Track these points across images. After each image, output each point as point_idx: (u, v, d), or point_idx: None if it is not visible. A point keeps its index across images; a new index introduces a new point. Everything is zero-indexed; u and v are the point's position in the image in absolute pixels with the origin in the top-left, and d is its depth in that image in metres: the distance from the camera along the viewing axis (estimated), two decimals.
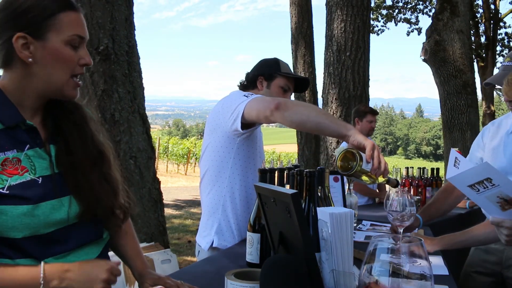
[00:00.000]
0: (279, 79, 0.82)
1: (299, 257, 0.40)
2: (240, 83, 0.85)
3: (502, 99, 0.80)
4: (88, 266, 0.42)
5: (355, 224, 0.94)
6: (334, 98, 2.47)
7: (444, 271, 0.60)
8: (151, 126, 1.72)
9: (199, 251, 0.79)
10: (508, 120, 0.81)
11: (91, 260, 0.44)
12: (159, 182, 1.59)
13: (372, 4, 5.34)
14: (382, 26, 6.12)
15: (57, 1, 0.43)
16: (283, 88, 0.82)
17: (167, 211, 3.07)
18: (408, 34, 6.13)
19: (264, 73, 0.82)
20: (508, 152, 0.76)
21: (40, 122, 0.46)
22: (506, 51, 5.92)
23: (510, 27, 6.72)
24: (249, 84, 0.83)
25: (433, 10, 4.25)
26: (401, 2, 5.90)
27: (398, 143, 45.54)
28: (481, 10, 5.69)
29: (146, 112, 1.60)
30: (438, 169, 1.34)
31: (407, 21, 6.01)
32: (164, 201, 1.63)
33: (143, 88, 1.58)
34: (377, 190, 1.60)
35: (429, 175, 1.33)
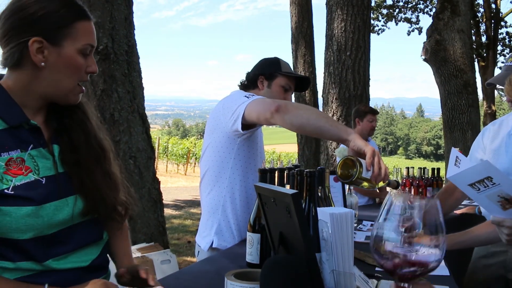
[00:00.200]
0: (280, 78, 0.81)
1: (299, 257, 0.40)
2: (241, 82, 0.85)
3: (504, 99, 0.80)
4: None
5: (355, 225, 0.94)
6: (334, 98, 2.47)
7: (445, 272, 0.60)
8: (151, 126, 1.71)
9: (198, 252, 0.79)
10: (509, 120, 0.80)
11: (86, 283, 0.43)
12: (158, 182, 1.59)
13: (373, 4, 5.33)
14: (382, 25, 6.13)
15: (75, 10, 0.44)
16: (284, 88, 0.82)
17: (167, 211, 3.07)
18: (408, 34, 6.13)
19: (265, 73, 0.82)
20: (510, 153, 0.75)
21: (43, 122, 0.46)
22: (507, 50, 5.90)
23: (511, 26, 6.71)
24: (249, 83, 0.83)
25: (433, 10, 4.24)
26: (402, 1, 5.91)
27: (398, 143, 45.53)
28: (482, 10, 5.68)
29: (146, 112, 1.60)
30: (438, 169, 1.34)
31: (408, 20, 6.02)
32: (164, 201, 1.63)
33: (142, 88, 1.58)
34: (378, 190, 1.60)
35: (430, 175, 1.32)
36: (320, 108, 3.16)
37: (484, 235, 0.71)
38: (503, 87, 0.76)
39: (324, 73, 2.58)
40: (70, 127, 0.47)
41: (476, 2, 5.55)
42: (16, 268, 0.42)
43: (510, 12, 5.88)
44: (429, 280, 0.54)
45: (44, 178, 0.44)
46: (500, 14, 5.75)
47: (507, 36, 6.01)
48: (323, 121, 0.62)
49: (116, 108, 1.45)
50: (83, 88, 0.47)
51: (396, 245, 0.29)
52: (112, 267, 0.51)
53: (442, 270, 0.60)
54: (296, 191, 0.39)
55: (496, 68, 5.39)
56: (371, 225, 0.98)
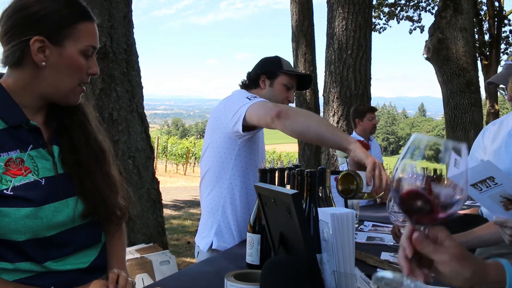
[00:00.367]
0: (282, 77, 0.81)
1: (299, 258, 0.39)
2: (242, 82, 0.84)
3: (506, 97, 0.79)
4: None
5: (356, 225, 0.93)
6: (335, 97, 2.45)
7: None
8: (150, 125, 1.70)
9: (198, 252, 0.78)
10: (509, 120, 0.80)
11: (88, 284, 0.43)
12: (157, 182, 1.59)
13: (374, 2, 5.32)
14: (384, 24, 6.10)
15: (78, 11, 0.44)
16: (286, 86, 0.81)
17: (166, 211, 3.09)
18: (410, 32, 6.10)
19: (266, 72, 0.81)
20: (510, 152, 0.74)
21: (43, 122, 0.46)
22: (510, 49, 5.84)
23: None
24: (251, 83, 0.82)
25: (436, 8, 4.20)
26: None
27: (400, 143, 45.40)
28: (485, 8, 5.62)
29: (145, 111, 1.59)
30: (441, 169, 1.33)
31: (410, 19, 5.99)
32: (163, 202, 1.62)
33: (141, 87, 1.58)
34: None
35: (432, 175, 1.32)
36: (321, 108, 3.14)
37: (487, 236, 0.70)
38: (504, 86, 0.75)
39: (325, 72, 2.57)
40: (70, 128, 0.47)
41: (479, 0, 5.50)
42: (15, 269, 0.42)
43: None
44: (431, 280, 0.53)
45: (43, 179, 0.43)
46: (504, 12, 5.69)
47: (510, 35, 5.95)
48: (324, 129, 0.62)
49: (115, 107, 1.45)
50: (84, 88, 0.46)
51: (417, 185, 0.27)
52: None
53: None
54: (297, 191, 0.39)
55: (499, 66, 5.33)
56: (373, 225, 0.96)
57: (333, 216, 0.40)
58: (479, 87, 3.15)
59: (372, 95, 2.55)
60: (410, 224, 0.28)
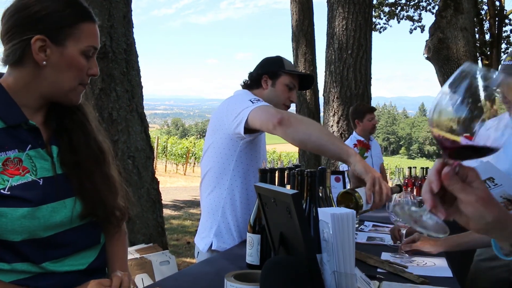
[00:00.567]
0: (284, 77, 0.80)
1: (300, 258, 0.39)
2: (244, 82, 0.84)
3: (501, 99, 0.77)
4: None
5: (356, 225, 0.93)
6: (335, 97, 2.45)
7: (448, 273, 0.59)
8: (150, 125, 1.70)
9: (198, 253, 0.78)
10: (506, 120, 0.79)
11: (86, 284, 0.43)
12: (157, 182, 1.58)
13: (374, 1, 5.30)
14: (384, 23, 6.09)
15: (79, 11, 0.44)
16: (288, 86, 0.81)
17: (166, 211, 3.08)
18: (411, 32, 6.09)
19: (268, 72, 0.81)
20: (510, 153, 0.74)
21: (42, 122, 0.46)
22: (511, 48, 5.81)
23: None
24: (253, 83, 0.82)
25: (436, 7, 4.20)
26: None
27: (400, 143, 45.29)
28: (485, 7, 5.60)
29: (145, 111, 1.59)
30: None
31: (410, 18, 5.98)
32: (163, 202, 1.62)
33: (141, 87, 1.57)
34: None
35: None
36: (321, 107, 3.12)
37: (488, 237, 0.69)
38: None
39: (325, 72, 2.57)
40: (70, 128, 0.47)
41: (480, 0, 5.51)
42: (12, 270, 0.42)
43: None
44: (432, 281, 0.53)
45: (41, 179, 0.43)
46: (505, 12, 5.66)
47: (511, 34, 5.94)
48: (325, 139, 0.61)
49: (115, 107, 1.44)
50: (84, 88, 0.46)
51: (456, 119, 0.25)
52: None
53: (445, 271, 0.60)
54: (297, 191, 0.38)
55: (500, 66, 5.29)
56: (373, 225, 0.96)
57: (333, 216, 0.40)
58: None
59: (373, 95, 2.54)
60: (442, 158, 0.27)
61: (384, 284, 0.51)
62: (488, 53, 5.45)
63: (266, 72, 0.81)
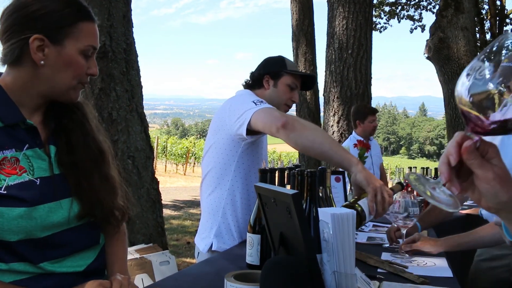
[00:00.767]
0: (286, 77, 0.80)
1: (300, 258, 0.39)
2: (246, 82, 0.84)
3: None
4: None
5: None
6: (335, 96, 2.44)
7: (449, 273, 0.59)
8: (149, 125, 1.70)
9: (198, 253, 0.78)
10: None
11: (83, 284, 0.43)
12: (157, 182, 1.58)
13: (375, 1, 5.29)
14: (384, 23, 6.08)
15: (78, 11, 0.44)
16: (290, 86, 0.80)
17: (166, 211, 3.08)
18: (411, 31, 6.08)
19: (270, 72, 0.80)
20: (509, 154, 0.74)
21: (41, 122, 0.46)
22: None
23: None
24: (255, 83, 0.82)
25: (437, 7, 4.19)
26: None
27: (401, 143, 45.20)
28: (486, 7, 5.59)
29: (144, 111, 1.59)
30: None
31: (410, 18, 5.98)
32: (163, 202, 1.62)
33: (141, 87, 1.57)
34: None
35: (433, 175, 1.33)
36: (321, 107, 3.11)
37: (488, 237, 0.69)
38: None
39: (325, 71, 2.56)
40: (69, 127, 0.47)
41: None
42: (10, 270, 0.42)
43: None
44: (432, 281, 0.53)
45: (38, 179, 0.43)
46: (505, 11, 5.65)
47: None
48: (328, 147, 0.61)
49: (114, 107, 1.44)
50: (83, 87, 0.46)
51: (484, 93, 0.23)
52: None
53: (446, 271, 0.60)
54: (297, 191, 0.38)
55: None
56: (373, 225, 0.96)
57: (334, 216, 0.40)
58: None
59: (373, 95, 2.54)
60: (465, 131, 0.26)
61: (384, 284, 0.51)
62: None
63: (268, 72, 0.80)
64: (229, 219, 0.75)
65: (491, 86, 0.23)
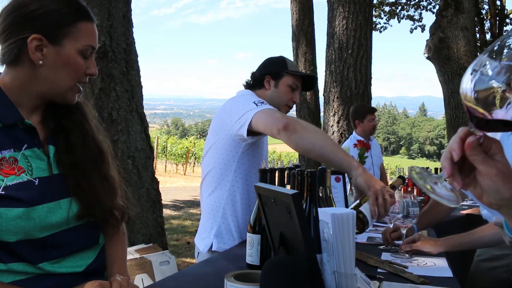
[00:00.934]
0: (287, 77, 0.80)
1: (300, 258, 0.39)
2: (246, 82, 0.83)
3: None
4: None
5: None
6: (335, 96, 2.45)
7: (449, 273, 0.59)
8: (149, 125, 1.70)
9: (198, 253, 0.78)
10: None
11: (83, 285, 0.43)
12: (157, 182, 1.58)
13: (375, 1, 5.30)
14: (384, 23, 6.09)
15: (77, 10, 0.44)
16: (291, 87, 0.80)
17: (166, 211, 3.09)
18: (411, 31, 6.08)
19: (271, 72, 0.80)
20: (509, 154, 0.73)
21: (39, 121, 0.46)
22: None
23: None
24: (255, 83, 0.82)
25: (437, 7, 4.19)
26: None
27: (401, 143, 45.21)
28: (486, 7, 5.59)
29: (144, 111, 1.59)
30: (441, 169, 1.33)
31: (410, 18, 5.98)
32: (163, 202, 1.62)
33: (141, 87, 1.57)
34: None
35: None
36: (321, 107, 3.11)
37: (488, 237, 0.69)
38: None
39: (325, 71, 2.56)
40: (68, 127, 0.46)
41: None
42: (9, 270, 0.42)
43: None
44: (432, 281, 0.53)
45: (37, 179, 0.43)
46: (505, 11, 5.65)
47: None
48: (328, 150, 0.62)
49: (114, 107, 1.44)
50: (81, 88, 0.46)
51: (489, 90, 0.23)
52: None
53: (446, 271, 0.60)
54: (297, 191, 0.38)
55: None
56: (373, 225, 0.96)
57: (334, 216, 0.40)
58: None
59: (373, 95, 2.54)
60: (468, 126, 0.25)
61: (384, 284, 0.51)
62: None
63: (269, 73, 0.80)
64: (229, 219, 0.75)
65: (495, 83, 0.23)
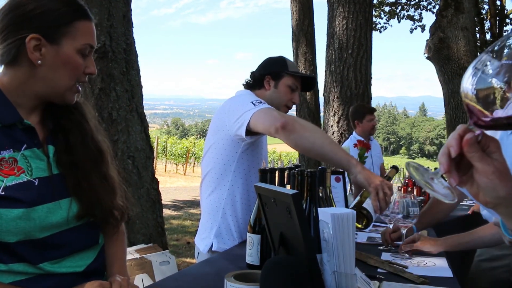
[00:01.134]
0: (287, 78, 0.80)
1: (300, 258, 0.39)
2: (246, 82, 0.83)
3: None
4: None
5: None
6: (335, 96, 2.45)
7: (449, 273, 0.59)
8: (149, 125, 1.70)
9: (198, 253, 0.78)
10: None
11: (83, 285, 0.43)
12: (157, 182, 1.58)
13: (375, 1, 5.31)
14: (384, 23, 6.10)
15: (75, 9, 0.44)
16: (291, 87, 0.80)
17: (166, 211, 3.10)
18: (411, 31, 6.09)
19: (271, 72, 0.80)
20: (508, 154, 0.73)
21: (39, 122, 0.46)
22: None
23: None
24: (255, 83, 0.82)
25: (437, 7, 4.19)
26: None
27: (401, 143, 45.28)
28: (486, 7, 5.60)
29: (144, 111, 1.59)
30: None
31: (410, 18, 5.99)
32: (163, 202, 1.62)
33: (141, 87, 1.57)
34: None
35: None
36: (321, 107, 3.12)
37: (488, 237, 0.70)
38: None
39: (325, 71, 2.57)
40: (67, 127, 0.46)
41: None
42: (9, 271, 0.42)
43: None
44: (432, 281, 0.54)
45: (37, 180, 0.43)
46: (505, 11, 5.65)
47: None
48: (328, 149, 0.62)
49: (114, 107, 1.44)
50: (79, 88, 0.46)
51: (489, 89, 0.23)
52: None
53: (446, 271, 0.60)
54: (297, 191, 0.38)
55: None
56: (373, 225, 0.96)
57: (334, 216, 0.40)
58: None
59: (373, 95, 2.54)
60: (467, 124, 0.25)
61: (384, 284, 0.51)
62: None
63: (269, 73, 0.80)
64: (229, 219, 0.75)
65: (495, 82, 0.23)
